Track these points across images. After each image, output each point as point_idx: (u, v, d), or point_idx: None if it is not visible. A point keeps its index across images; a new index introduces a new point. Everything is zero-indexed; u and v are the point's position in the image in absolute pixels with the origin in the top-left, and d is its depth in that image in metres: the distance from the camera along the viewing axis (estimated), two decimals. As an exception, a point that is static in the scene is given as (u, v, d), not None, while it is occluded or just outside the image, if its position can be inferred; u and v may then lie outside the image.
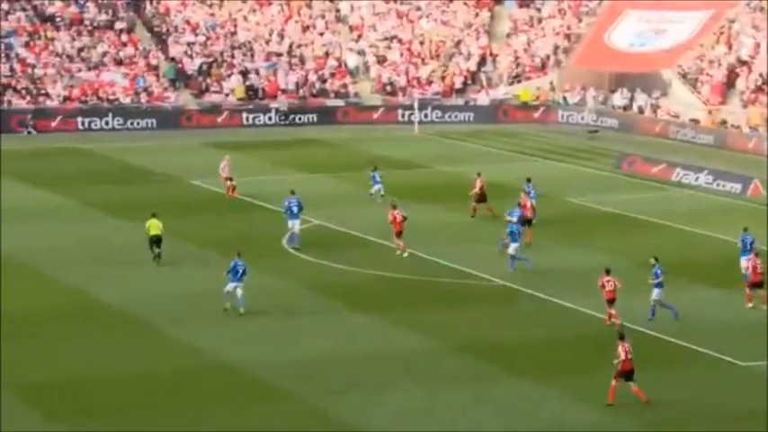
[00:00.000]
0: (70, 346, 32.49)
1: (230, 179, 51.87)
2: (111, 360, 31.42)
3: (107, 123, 69.51)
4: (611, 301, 34.28)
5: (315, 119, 72.56)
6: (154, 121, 70.45)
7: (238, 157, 60.83)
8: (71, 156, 61.87)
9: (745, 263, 37.45)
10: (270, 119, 72.43)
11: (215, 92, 74.35)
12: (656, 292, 35.03)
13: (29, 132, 67.90)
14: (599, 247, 43.06)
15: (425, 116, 73.15)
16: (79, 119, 69.34)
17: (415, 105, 72.59)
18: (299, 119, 72.53)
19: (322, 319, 35.41)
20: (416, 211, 45.96)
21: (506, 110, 74.67)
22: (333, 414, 28.18)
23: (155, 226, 40.87)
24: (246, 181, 53.60)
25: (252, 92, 74.53)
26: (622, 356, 28.48)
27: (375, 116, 73.24)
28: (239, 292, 35.46)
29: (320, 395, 29.28)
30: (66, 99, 71.03)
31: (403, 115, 73.14)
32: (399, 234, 41.91)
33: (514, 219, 41.49)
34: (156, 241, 40.67)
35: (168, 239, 41.59)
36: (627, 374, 28.51)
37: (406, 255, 41.47)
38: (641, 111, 72.67)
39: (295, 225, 43.24)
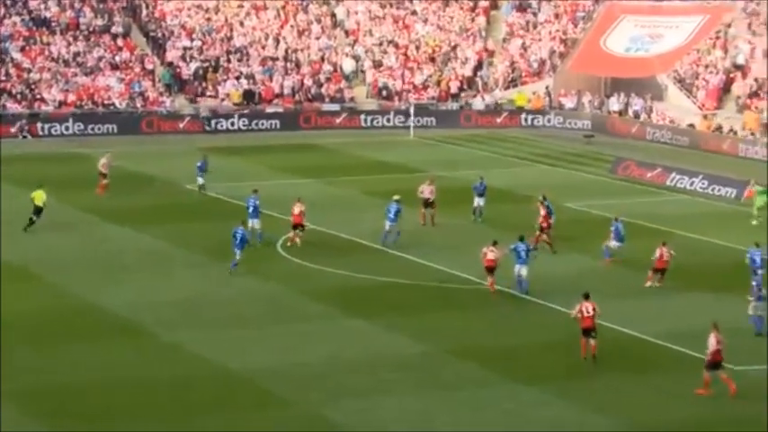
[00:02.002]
0: (66, 352, 32.56)
1: (104, 176, 52.02)
2: (107, 366, 31.50)
3: (108, 129, 69.68)
4: (587, 330, 31.72)
5: (240, 124, 71.35)
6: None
7: (235, 162, 61.05)
8: (65, 161, 61.95)
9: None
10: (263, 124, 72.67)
11: (210, 96, 74.53)
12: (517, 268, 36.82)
13: (24, 137, 68.01)
14: (594, 252, 43.20)
15: (387, 121, 72.82)
16: (75, 123, 69.45)
17: (411, 110, 72.77)
18: (259, 124, 71.73)
19: (317, 324, 35.52)
20: (411, 215, 46.13)
21: (468, 115, 74.39)
22: (329, 420, 28.29)
23: (39, 197, 44.73)
24: (242, 186, 53.66)
25: (248, 96, 74.74)
26: (714, 347, 29.36)
27: (337, 121, 72.87)
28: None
29: (316, 401, 29.39)
30: (61, 104, 71.17)
31: (325, 120, 72.58)
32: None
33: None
34: (36, 212, 44.71)
35: (163, 245, 41.65)
36: (716, 364, 29.54)
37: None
38: (637, 115, 72.90)
39: (255, 223, 43.64)
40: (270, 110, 73.74)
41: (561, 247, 43.32)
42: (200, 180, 52.73)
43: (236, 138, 69.47)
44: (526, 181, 54.56)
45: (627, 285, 39.60)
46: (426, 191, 47.24)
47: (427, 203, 47.18)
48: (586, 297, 32.08)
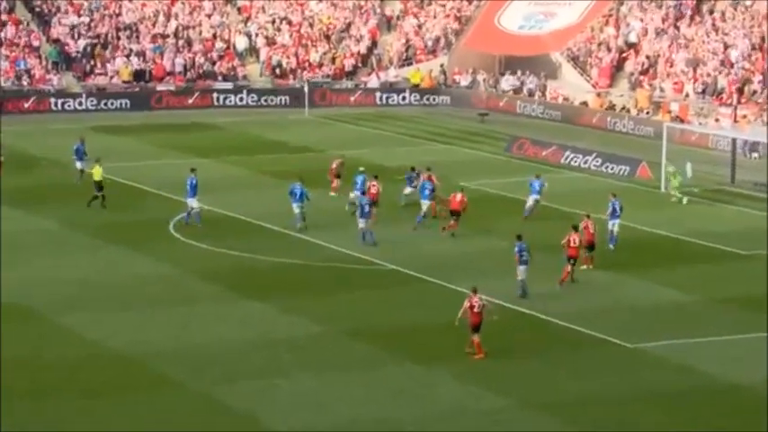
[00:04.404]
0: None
1: None
2: (-4, 350, 31.24)
3: None
4: (476, 327, 31.18)
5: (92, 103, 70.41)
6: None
7: (123, 141, 60.57)
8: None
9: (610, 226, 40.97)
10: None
11: (99, 74, 73.70)
12: (520, 270, 35.86)
13: None
14: (489, 231, 43.76)
15: (267, 100, 72.73)
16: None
17: (305, 89, 72.77)
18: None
19: (212, 305, 35.53)
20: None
21: (324, 93, 74.50)
22: (224, 402, 28.36)
23: (97, 172, 46.11)
24: (132, 166, 53.38)
25: (138, 75, 74.06)
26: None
27: (190, 101, 72.11)
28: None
29: (211, 383, 29.44)
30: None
31: (218, 98, 72.41)
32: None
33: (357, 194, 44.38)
34: (98, 188, 46.18)
35: (57, 227, 41.29)
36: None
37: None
38: (531, 94, 73.75)
39: (193, 203, 43.84)
40: (161, 87, 73.21)
41: (459, 226, 43.75)
42: (80, 165, 50.91)
43: (125, 116, 68.78)
44: (421, 160, 54.90)
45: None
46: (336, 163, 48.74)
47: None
48: (474, 291, 31.51)
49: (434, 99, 74.99)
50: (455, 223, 43.03)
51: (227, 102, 73.11)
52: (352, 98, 74.85)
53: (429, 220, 44.57)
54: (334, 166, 49.78)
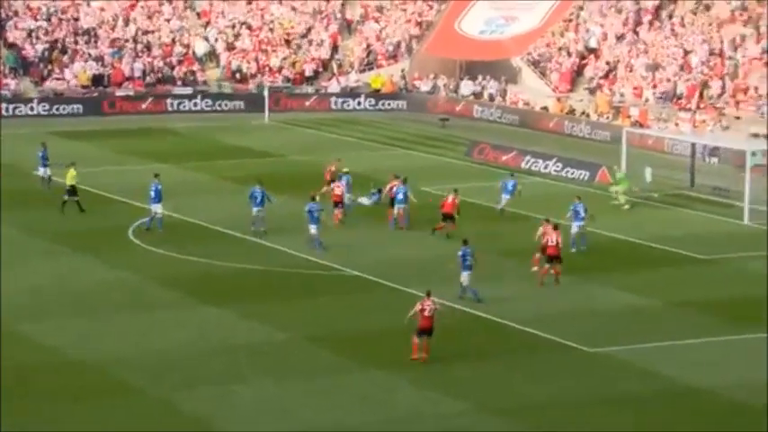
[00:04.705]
0: None
1: None
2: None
3: None
4: (424, 331, 31.16)
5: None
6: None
7: (81, 147, 60.42)
8: None
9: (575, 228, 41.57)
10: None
11: (57, 79, 73.47)
12: (464, 275, 36.08)
13: None
14: (451, 236, 43.90)
15: (178, 105, 72.49)
16: None
17: (266, 94, 72.81)
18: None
19: (172, 311, 35.55)
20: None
21: (285, 98, 74.49)
22: (183, 408, 28.42)
23: (71, 176, 46.09)
24: (90, 172, 53.23)
25: (97, 79, 73.88)
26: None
27: (143, 106, 72.01)
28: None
29: (170, 389, 29.48)
30: None
31: (173, 104, 72.36)
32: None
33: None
34: (71, 192, 46.14)
35: (15, 233, 41.15)
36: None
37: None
38: (492, 98, 74.11)
39: (157, 208, 43.88)
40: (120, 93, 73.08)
41: (419, 231, 43.97)
42: (45, 171, 50.95)
43: (78, 122, 68.51)
44: (383, 165, 55.14)
45: (486, 269, 40.46)
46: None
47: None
48: (428, 295, 31.68)
49: (395, 104, 75.15)
50: (452, 225, 43.20)
51: (183, 107, 72.83)
52: (313, 103, 74.92)
53: (397, 227, 44.94)
54: (332, 169, 49.18)
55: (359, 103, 75.12)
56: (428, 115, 72.26)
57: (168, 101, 72.90)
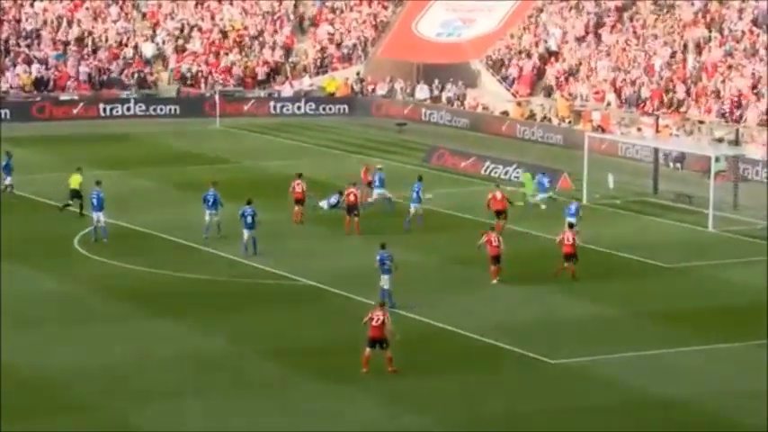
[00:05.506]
0: None
1: None
2: None
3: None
4: (374, 341, 31.14)
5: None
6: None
7: (26, 153, 59.87)
8: None
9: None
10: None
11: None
12: (384, 279, 36.24)
13: None
14: (406, 244, 43.89)
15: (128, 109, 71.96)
16: None
17: (216, 97, 72.51)
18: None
19: (120, 324, 35.28)
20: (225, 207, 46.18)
21: (236, 102, 73.88)
22: (132, 424, 28.19)
23: (75, 180, 46.61)
24: (34, 179, 52.83)
25: (40, 83, 73.31)
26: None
27: (75, 111, 71.50)
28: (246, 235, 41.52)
29: (119, 404, 29.24)
30: None
31: (105, 109, 71.85)
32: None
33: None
34: (75, 195, 46.51)
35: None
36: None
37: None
38: (450, 102, 74.16)
39: (99, 217, 43.51)
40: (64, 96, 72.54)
41: (375, 239, 43.80)
42: (9, 180, 50.96)
43: (21, 128, 67.90)
44: (338, 171, 54.99)
45: (441, 278, 40.43)
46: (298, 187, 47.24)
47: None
48: (381, 305, 31.86)
49: (349, 108, 75.02)
50: (503, 221, 44.61)
51: (130, 111, 72.27)
52: (265, 107, 74.68)
53: (342, 235, 44.86)
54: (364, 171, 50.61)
55: (311, 108, 74.87)
56: (382, 120, 72.18)
57: (115, 105, 72.41)
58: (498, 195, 45.60)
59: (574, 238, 40.13)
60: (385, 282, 36.29)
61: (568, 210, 44.43)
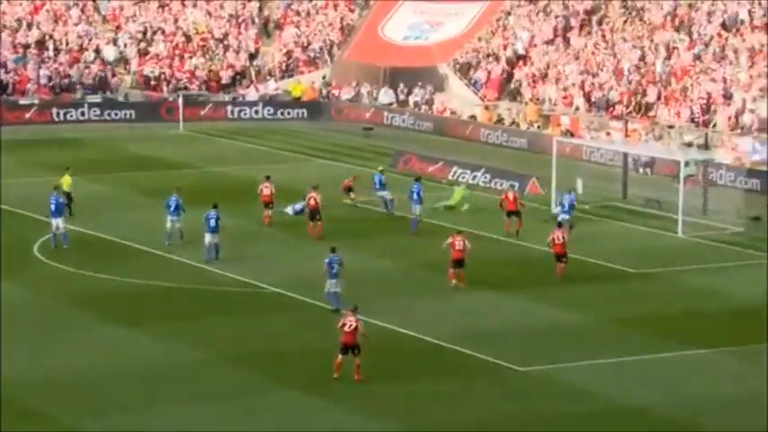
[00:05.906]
0: None
1: None
2: None
3: None
4: (345, 347, 31.15)
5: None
6: None
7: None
8: None
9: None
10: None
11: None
12: (331, 283, 36.30)
13: None
14: (375, 249, 43.85)
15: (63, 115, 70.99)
16: None
17: (180, 101, 72.24)
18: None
19: (80, 333, 35.08)
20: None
21: (200, 106, 73.86)
22: (92, 434, 28.04)
23: (66, 182, 46.67)
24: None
25: (0, 87, 72.91)
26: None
27: (27, 115, 70.44)
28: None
29: (79, 414, 29.03)
30: None
31: (58, 114, 71.02)
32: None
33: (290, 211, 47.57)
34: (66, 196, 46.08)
35: None
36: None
37: None
38: (417, 106, 74.15)
39: (59, 223, 43.18)
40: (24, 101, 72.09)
41: (344, 245, 43.69)
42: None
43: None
44: (303, 176, 54.86)
45: (414, 283, 40.38)
46: (266, 189, 47.51)
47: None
48: (354, 310, 31.68)
49: (313, 112, 74.79)
50: (518, 222, 45.71)
51: (94, 115, 71.83)
52: (230, 112, 74.44)
53: (312, 240, 44.75)
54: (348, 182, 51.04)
55: (276, 111, 74.62)
56: (346, 124, 72.07)
57: (75, 109, 71.95)
58: (511, 196, 46.79)
59: (564, 237, 40.45)
60: (331, 285, 36.26)
61: (561, 205, 44.92)
